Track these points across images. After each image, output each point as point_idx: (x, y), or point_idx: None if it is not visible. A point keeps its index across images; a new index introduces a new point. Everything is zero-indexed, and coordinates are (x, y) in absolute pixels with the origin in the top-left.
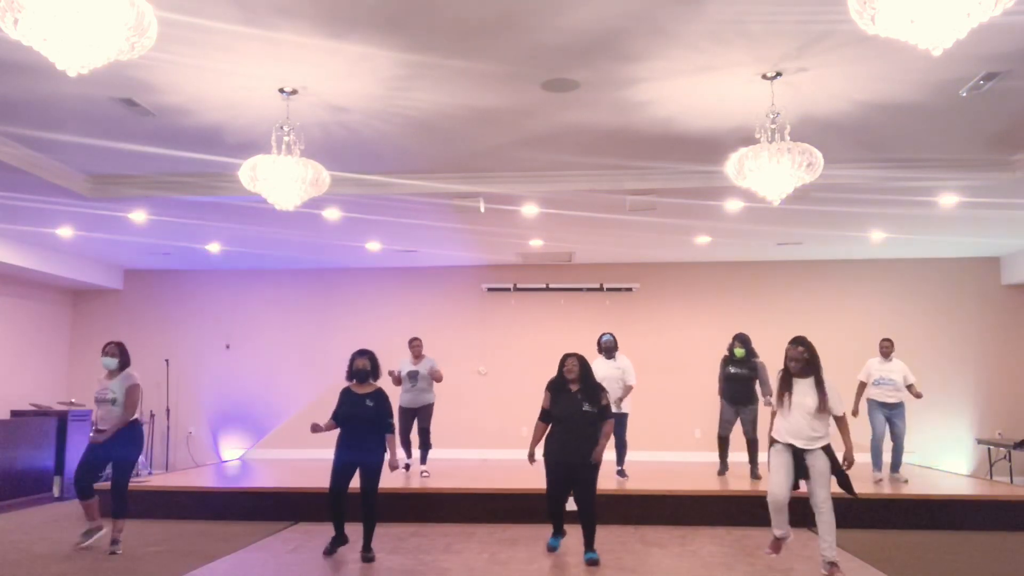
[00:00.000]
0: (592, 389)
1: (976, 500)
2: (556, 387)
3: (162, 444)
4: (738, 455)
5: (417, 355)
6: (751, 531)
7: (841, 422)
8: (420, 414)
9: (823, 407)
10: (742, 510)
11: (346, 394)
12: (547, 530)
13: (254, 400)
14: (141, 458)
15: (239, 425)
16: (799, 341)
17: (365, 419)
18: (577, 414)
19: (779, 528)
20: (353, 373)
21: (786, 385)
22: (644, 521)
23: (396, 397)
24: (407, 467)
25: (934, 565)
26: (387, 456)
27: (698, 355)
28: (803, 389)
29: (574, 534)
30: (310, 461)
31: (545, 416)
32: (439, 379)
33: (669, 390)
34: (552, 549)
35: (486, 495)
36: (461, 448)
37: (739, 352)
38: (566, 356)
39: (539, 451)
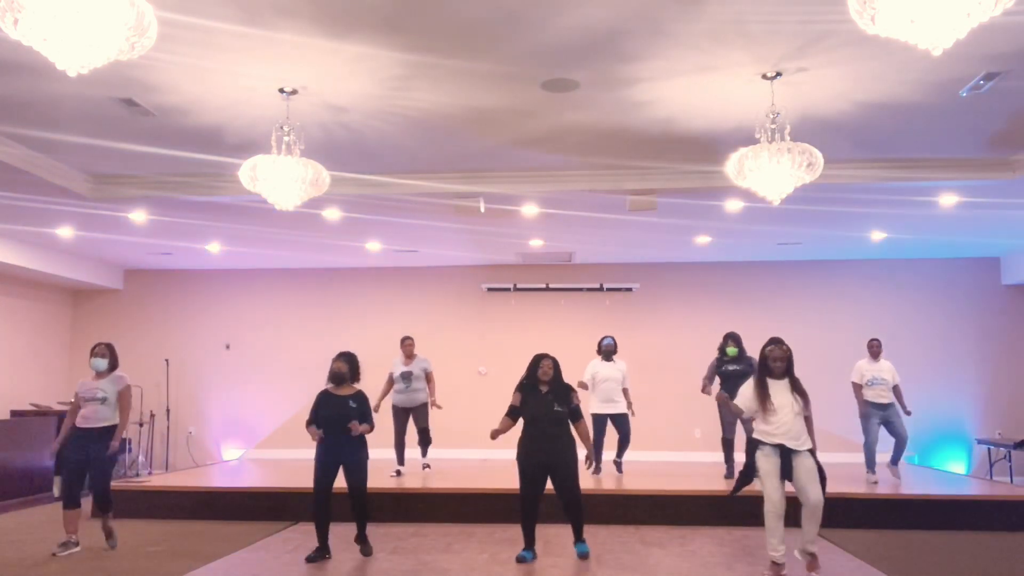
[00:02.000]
0: (562, 390)
1: (976, 500)
2: (527, 388)
3: (162, 444)
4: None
5: (409, 355)
6: (751, 531)
7: (808, 422)
8: (416, 414)
9: (806, 408)
10: (742, 510)
11: (325, 396)
12: (546, 530)
13: (254, 400)
14: (141, 458)
15: (239, 425)
16: (781, 341)
17: (349, 420)
18: (548, 415)
19: (777, 547)
20: (330, 376)
21: (765, 387)
22: (644, 521)
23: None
24: (398, 473)
25: (934, 565)
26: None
27: (698, 355)
28: (783, 390)
29: (569, 535)
30: (310, 461)
31: (513, 412)
32: (431, 382)
33: (669, 390)
34: (522, 561)
35: (486, 495)
36: (461, 448)
37: (731, 351)
38: (540, 357)
39: (510, 452)
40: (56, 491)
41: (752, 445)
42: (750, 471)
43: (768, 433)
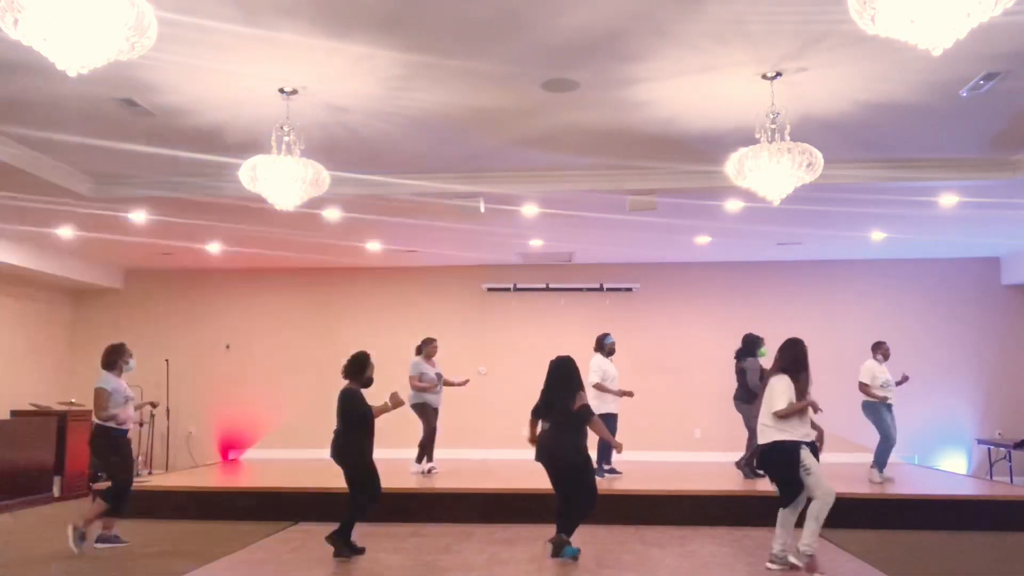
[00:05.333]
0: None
1: (976, 500)
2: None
3: (162, 444)
4: (729, 455)
5: (434, 355)
6: (751, 531)
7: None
8: (437, 415)
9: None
10: (742, 510)
11: (363, 397)
12: (546, 530)
13: (254, 400)
14: (140, 458)
15: (239, 425)
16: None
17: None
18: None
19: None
20: (369, 380)
21: (807, 385)
22: (644, 521)
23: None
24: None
25: (934, 565)
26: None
27: (698, 355)
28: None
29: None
30: (310, 461)
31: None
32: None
33: (669, 390)
34: (574, 557)
35: (486, 495)
36: (461, 448)
37: (763, 352)
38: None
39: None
40: (56, 491)
41: (794, 450)
42: (794, 474)
43: (804, 432)
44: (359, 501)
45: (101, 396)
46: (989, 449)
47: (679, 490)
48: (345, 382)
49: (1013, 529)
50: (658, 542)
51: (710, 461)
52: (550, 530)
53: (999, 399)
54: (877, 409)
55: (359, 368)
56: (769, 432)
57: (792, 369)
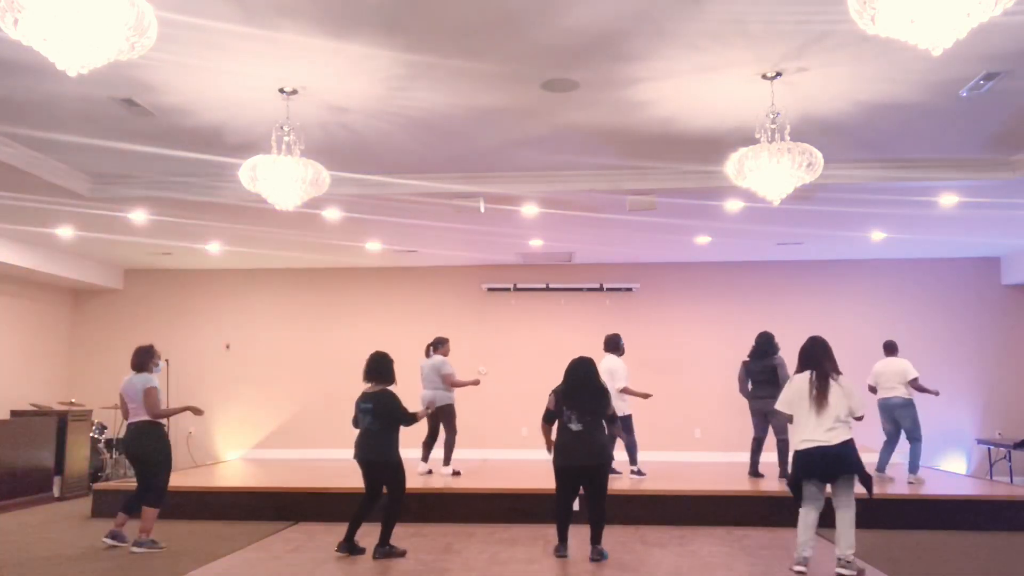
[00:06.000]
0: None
1: (976, 500)
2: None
3: None
4: (729, 455)
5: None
6: (751, 531)
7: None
8: None
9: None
10: (742, 510)
11: None
12: (546, 530)
13: (254, 400)
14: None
15: (239, 425)
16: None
17: None
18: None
19: None
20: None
21: None
22: (644, 521)
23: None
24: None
25: (934, 565)
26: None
27: (698, 355)
28: None
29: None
30: (310, 461)
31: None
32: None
33: (669, 390)
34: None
35: (486, 495)
36: (461, 448)
37: None
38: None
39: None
40: (56, 491)
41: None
42: (864, 468)
43: None
44: (399, 498)
45: (155, 394)
46: (989, 449)
47: (679, 490)
48: (358, 384)
49: (1013, 529)
50: (658, 542)
51: (710, 461)
52: (550, 530)
53: (999, 399)
54: (915, 409)
55: (390, 370)
56: (842, 431)
57: (836, 369)
